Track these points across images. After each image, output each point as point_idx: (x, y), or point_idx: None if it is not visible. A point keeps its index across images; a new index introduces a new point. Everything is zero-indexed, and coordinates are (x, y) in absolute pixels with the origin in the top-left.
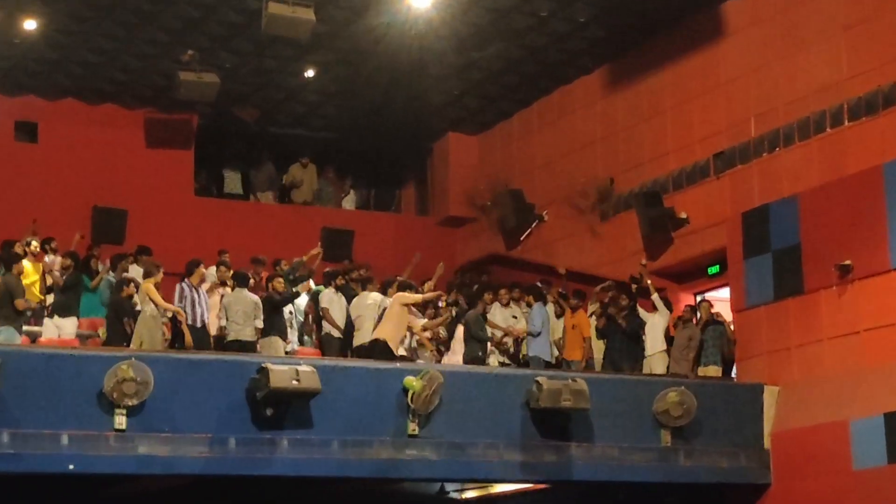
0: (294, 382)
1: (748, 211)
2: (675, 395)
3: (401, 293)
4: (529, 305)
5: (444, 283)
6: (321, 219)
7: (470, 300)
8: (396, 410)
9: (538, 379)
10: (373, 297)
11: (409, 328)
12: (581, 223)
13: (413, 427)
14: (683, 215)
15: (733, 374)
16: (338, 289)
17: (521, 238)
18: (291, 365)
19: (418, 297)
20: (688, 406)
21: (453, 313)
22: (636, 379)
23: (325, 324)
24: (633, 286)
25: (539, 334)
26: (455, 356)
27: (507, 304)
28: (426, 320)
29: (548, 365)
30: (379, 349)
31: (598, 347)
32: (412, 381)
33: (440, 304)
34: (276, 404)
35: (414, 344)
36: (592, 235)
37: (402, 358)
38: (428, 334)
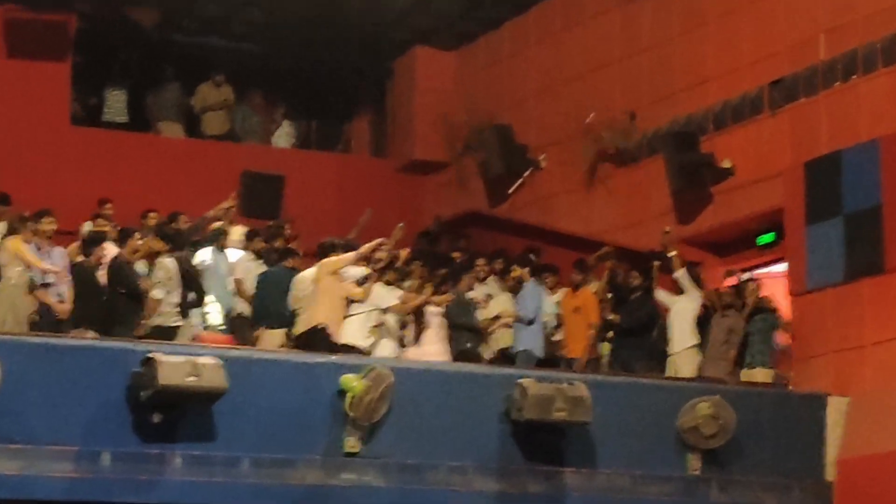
0: (191, 379)
1: (813, 160)
2: (707, 406)
3: (325, 260)
4: (520, 282)
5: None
6: (241, 159)
7: (445, 275)
8: (330, 420)
9: (522, 381)
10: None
11: (375, 305)
12: (589, 173)
13: (352, 443)
14: (727, 164)
15: (787, 380)
16: (258, 255)
17: (510, 191)
18: (188, 355)
19: (349, 255)
20: (724, 422)
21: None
22: (655, 384)
23: (237, 300)
24: (655, 262)
25: (532, 322)
26: (425, 350)
27: (482, 280)
28: (401, 294)
29: (539, 363)
30: (318, 339)
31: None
32: (351, 381)
33: (393, 261)
34: (166, 408)
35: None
36: (605, 190)
37: (345, 348)
38: (391, 317)
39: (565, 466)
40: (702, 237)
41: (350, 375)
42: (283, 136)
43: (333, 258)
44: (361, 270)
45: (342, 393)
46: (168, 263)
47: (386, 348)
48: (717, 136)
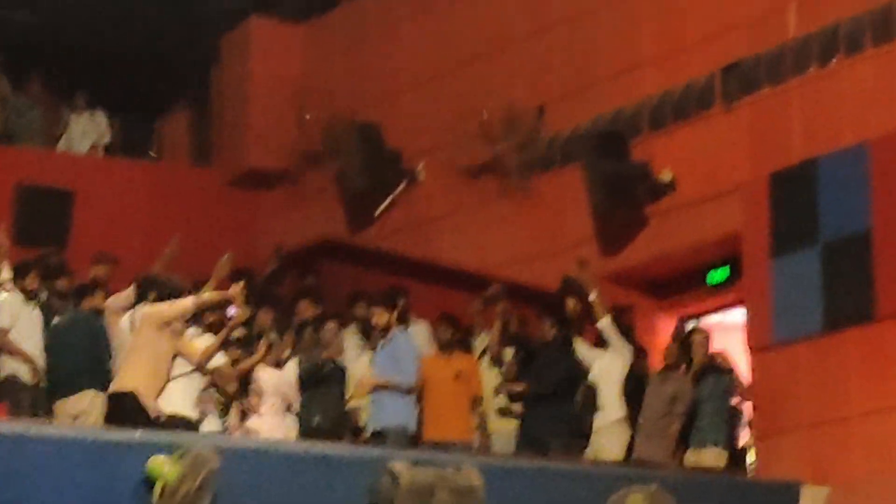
0: None
1: (780, 171)
2: (639, 498)
3: (150, 308)
4: (385, 330)
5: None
6: (16, 168)
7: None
8: None
9: (392, 466)
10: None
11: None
12: (483, 188)
13: None
14: (667, 176)
15: (748, 463)
16: (29, 295)
17: (377, 212)
18: None
19: (184, 303)
20: None
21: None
22: (572, 469)
23: (4, 358)
24: (569, 301)
25: (410, 389)
26: (265, 421)
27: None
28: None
29: (412, 440)
30: (126, 408)
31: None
32: (161, 466)
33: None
34: None
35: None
36: (503, 210)
37: (169, 421)
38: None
39: None
40: (633, 272)
41: (160, 458)
42: (74, 137)
43: (162, 306)
44: (205, 340)
45: (150, 482)
46: None
47: (212, 422)
48: (654, 137)
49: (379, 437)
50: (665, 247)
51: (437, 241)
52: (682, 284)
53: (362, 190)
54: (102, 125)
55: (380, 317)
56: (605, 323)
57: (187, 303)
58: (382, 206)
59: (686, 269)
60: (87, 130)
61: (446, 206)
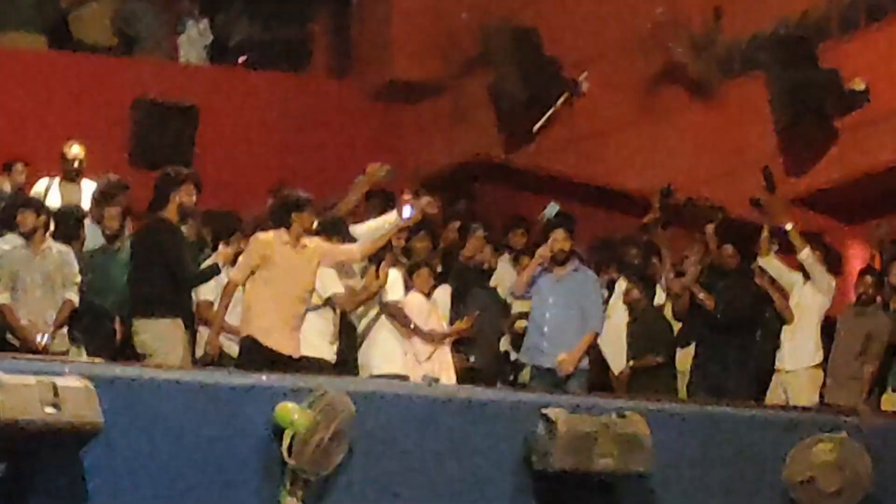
0: (49, 411)
1: None
2: (828, 448)
3: (320, 243)
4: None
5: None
6: (133, 81)
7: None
8: (260, 471)
9: (548, 412)
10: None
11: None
12: (653, 100)
13: None
14: (859, 86)
15: None
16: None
17: (536, 128)
18: (43, 375)
19: (364, 246)
20: (853, 472)
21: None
22: (752, 416)
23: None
24: (765, 232)
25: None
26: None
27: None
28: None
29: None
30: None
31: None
32: (291, 414)
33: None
34: (9, 455)
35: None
36: (675, 125)
37: (302, 363)
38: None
39: None
40: (821, 195)
41: (289, 405)
42: (193, 43)
43: (331, 246)
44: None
45: (278, 431)
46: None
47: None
48: (845, 42)
49: (548, 374)
50: (857, 165)
51: (602, 159)
52: (876, 207)
53: (519, 103)
54: (221, 35)
55: (563, 242)
56: (806, 254)
57: (364, 246)
58: (541, 122)
59: (880, 190)
60: (205, 40)
61: (612, 120)
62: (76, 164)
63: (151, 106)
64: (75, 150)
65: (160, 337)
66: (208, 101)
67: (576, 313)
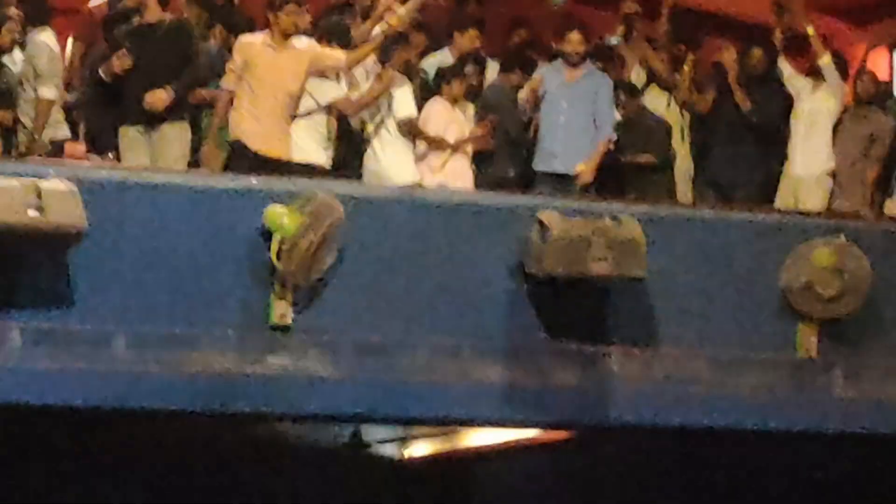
0: (32, 214)
1: None
2: (827, 253)
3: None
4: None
5: None
6: None
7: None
8: (248, 277)
9: (541, 214)
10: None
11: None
12: None
13: (282, 309)
14: None
15: None
16: None
17: None
18: (26, 177)
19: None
20: (853, 277)
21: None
22: (746, 220)
23: None
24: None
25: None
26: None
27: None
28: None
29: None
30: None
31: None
32: (279, 216)
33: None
34: None
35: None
36: None
37: (296, 168)
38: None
39: (608, 345)
40: None
41: (278, 208)
42: None
43: (321, 50)
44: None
45: (267, 235)
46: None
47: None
48: None
49: (559, 180)
50: None
51: None
52: (883, 7)
53: None
54: None
55: (578, 44)
56: (826, 61)
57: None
58: None
59: None
60: None
61: None
62: None
63: None
64: None
65: None
66: None
67: (589, 117)
